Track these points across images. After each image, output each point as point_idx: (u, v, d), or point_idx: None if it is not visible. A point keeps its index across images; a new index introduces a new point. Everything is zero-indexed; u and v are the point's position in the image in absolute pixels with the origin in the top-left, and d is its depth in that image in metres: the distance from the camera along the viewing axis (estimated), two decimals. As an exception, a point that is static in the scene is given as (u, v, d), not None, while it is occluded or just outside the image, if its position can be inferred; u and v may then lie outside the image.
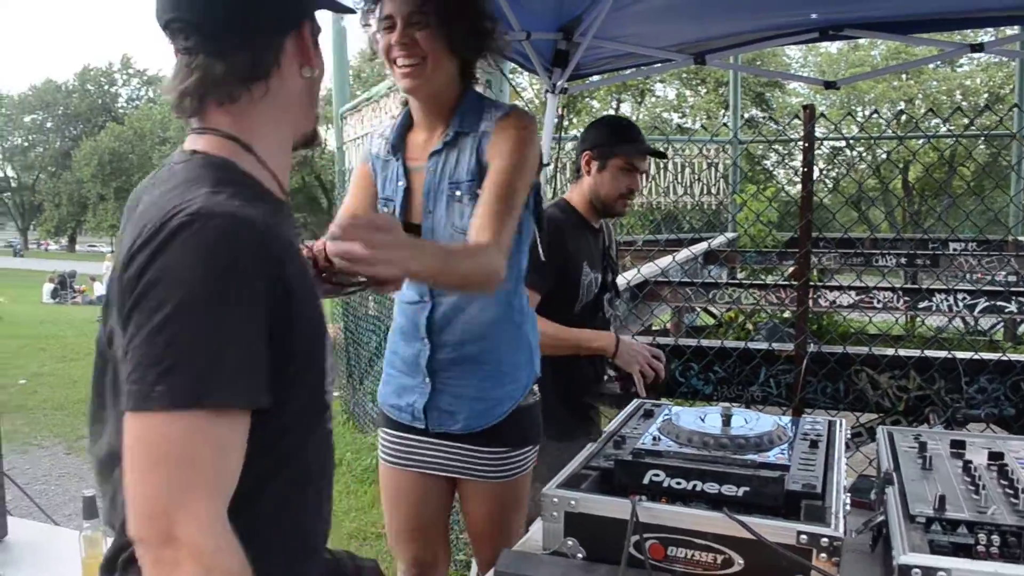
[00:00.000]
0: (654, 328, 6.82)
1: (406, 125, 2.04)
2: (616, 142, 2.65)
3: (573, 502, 1.35)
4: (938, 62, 18.43)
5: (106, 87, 55.89)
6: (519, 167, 1.84)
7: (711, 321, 8.70)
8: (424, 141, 1.99)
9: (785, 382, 3.28)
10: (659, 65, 3.38)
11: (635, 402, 1.86)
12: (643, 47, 3.18)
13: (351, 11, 1.28)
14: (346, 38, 7.65)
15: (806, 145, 2.98)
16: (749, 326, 7.58)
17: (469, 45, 1.91)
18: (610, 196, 2.67)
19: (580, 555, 1.35)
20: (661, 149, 2.87)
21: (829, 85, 3.30)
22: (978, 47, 3.18)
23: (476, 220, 1.77)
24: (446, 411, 2.01)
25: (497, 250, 1.73)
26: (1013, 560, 1.17)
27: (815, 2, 3.02)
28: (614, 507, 1.33)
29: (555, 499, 1.36)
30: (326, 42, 7.58)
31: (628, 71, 4.02)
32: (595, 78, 3.62)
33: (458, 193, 1.90)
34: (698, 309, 7.95)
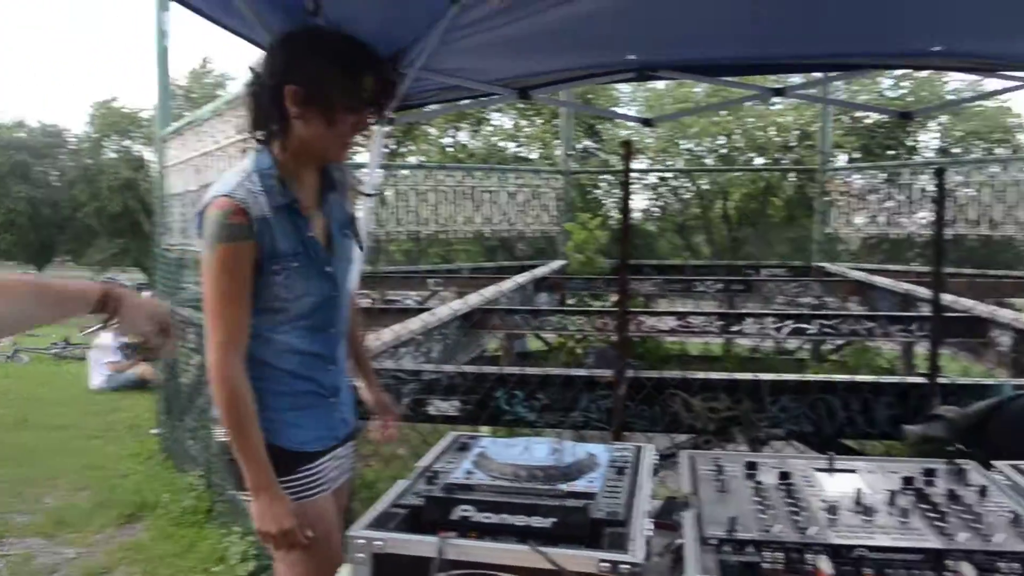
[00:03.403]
0: (485, 354, 6.90)
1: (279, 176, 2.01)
2: None
3: (380, 543, 1.33)
4: (753, 101, 19.81)
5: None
6: None
7: (543, 347, 8.89)
8: (305, 189, 2.06)
9: (606, 407, 3.39)
10: (485, 99, 3.43)
11: (450, 435, 1.86)
12: (469, 80, 3.23)
13: None
14: (168, 57, 7.27)
15: (624, 179, 3.11)
16: (578, 351, 7.80)
17: None
18: None
19: (389, 596, 1.33)
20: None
21: (647, 123, 3.49)
22: (780, 91, 3.43)
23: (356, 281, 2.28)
24: (347, 419, 2.23)
25: None
26: (793, 575, 1.25)
27: (633, 44, 3.17)
28: (422, 546, 1.31)
29: (360, 540, 1.33)
30: (150, 60, 7.20)
31: (462, 102, 4.07)
32: (429, 108, 3.64)
33: (347, 232, 2.16)
34: (528, 335, 8.11)
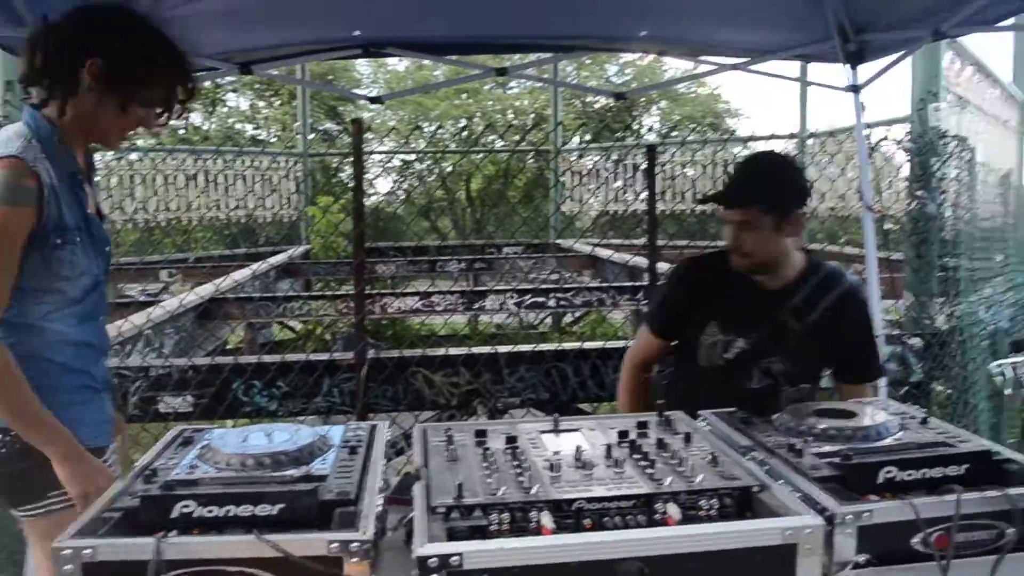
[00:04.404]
0: (226, 348, 6.60)
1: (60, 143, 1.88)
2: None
3: (89, 551, 1.22)
4: (490, 86, 20.37)
5: None
6: None
7: (291, 335, 8.66)
8: (79, 163, 1.96)
9: (349, 390, 3.38)
10: (204, 73, 3.26)
11: (173, 431, 1.75)
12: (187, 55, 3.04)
13: None
14: None
15: (355, 157, 3.08)
16: (327, 337, 7.67)
17: None
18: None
19: (102, 608, 1.23)
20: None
21: (374, 100, 3.47)
22: (502, 71, 3.55)
23: None
24: (112, 416, 2.11)
25: None
26: (519, 533, 1.31)
27: (359, 20, 3.14)
28: (136, 549, 1.22)
29: (67, 551, 1.22)
30: None
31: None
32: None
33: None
34: (273, 324, 7.88)
